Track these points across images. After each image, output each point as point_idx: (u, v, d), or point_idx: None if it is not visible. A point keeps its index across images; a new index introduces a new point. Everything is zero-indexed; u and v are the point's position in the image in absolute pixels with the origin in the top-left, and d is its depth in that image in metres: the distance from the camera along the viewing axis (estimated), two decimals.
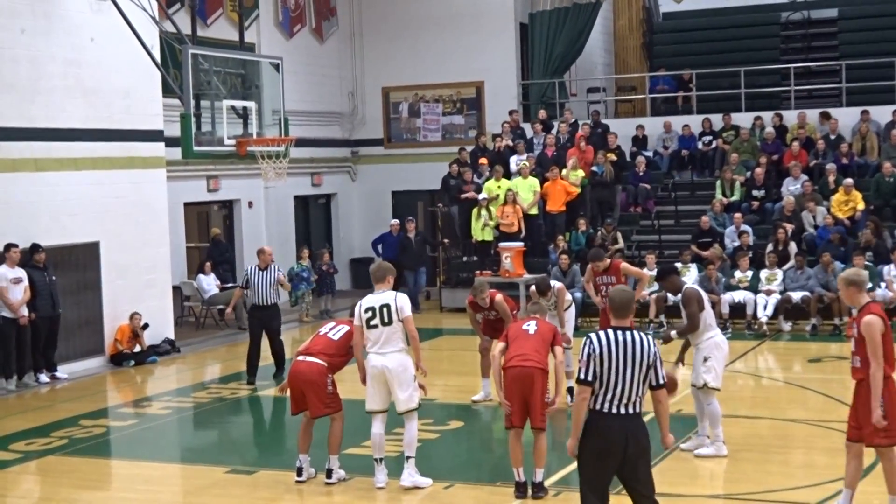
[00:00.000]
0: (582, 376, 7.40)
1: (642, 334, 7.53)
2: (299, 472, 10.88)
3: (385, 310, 10.26)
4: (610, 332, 7.45)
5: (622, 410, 7.38)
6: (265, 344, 16.31)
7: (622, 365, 7.34)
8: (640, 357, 7.38)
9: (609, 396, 7.36)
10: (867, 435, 8.81)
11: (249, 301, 16.57)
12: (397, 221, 24.42)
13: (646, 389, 7.51)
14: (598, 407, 7.40)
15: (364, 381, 10.54)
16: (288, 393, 10.99)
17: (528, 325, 10.56)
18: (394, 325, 10.27)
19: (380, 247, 24.02)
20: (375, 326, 10.28)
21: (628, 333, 7.44)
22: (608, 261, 13.84)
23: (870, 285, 19.09)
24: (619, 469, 7.46)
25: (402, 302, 10.35)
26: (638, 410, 7.45)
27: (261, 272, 16.08)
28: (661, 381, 7.51)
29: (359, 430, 12.14)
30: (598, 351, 7.36)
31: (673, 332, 11.67)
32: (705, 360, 11.39)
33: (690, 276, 19.97)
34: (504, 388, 10.15)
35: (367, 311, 10.32)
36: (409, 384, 10.43)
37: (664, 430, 7.72)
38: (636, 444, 7.41)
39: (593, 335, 7.47)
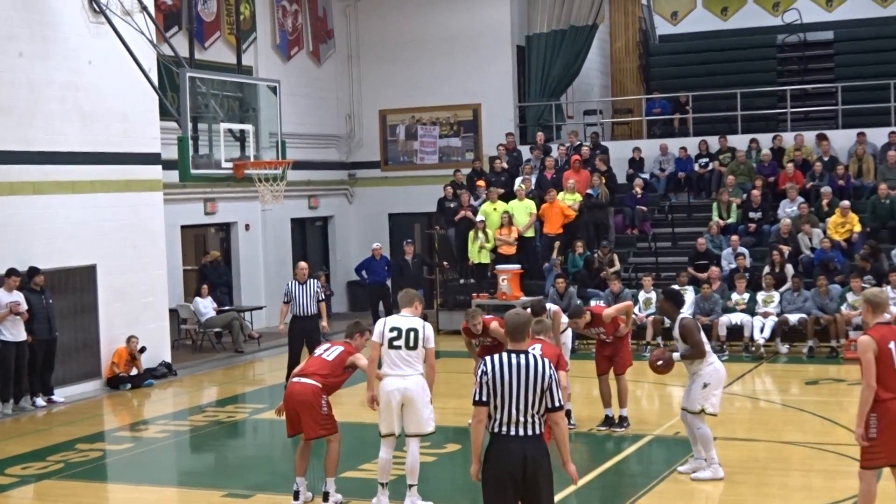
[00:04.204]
0: (476, 398, 7.49)
1: (539, 357, 7.56)
2: (296, 495, 10.83)
3: (412, 333, 10.30)
4: (504, 355, 7.52)
5: (520, 432, 7.42)
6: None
7: (515, 387, 7.39)
8: (533, 380, 7.41)
9: (505, 419, 7.42)
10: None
11: (292, 313, 17.13)
12: (379, 245, 24.28)
13: (544, 411, 7.48)
14: (496, 429, 7.47)
15: (371, 400, 10.53)
16: (283, 415, 10.97)
17: (533, 349, 10.53)
18: (418, 350, 10.33)
19: (364, 272, 23.88)
20: (398, 347, 10.29)
21: (523, 357, 7.49)
22: (588, 315, 13.76)
23: None
24: (522, 493, 7.45)
25: (429, 331, 10.44)
26: (538, 432, 7.46)
27: (300, 285, 17.01)
28: (557, 404, 7.51)
29: (356, 454, 12.13)
30: (489, 374, 7.44)
31: (675, 355, 11.61)
32: (705, 385, 11.36)
33: (687, 298, 19.93)
34: None
35: (392, 330, 10.33)
36: (427, 406, 10.44)
37: (564, 457, 7.70)
38: (535, 465, 7.41)
39: (488, 358, 7.55)
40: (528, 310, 13.57)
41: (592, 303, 21.19)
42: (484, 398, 7.45)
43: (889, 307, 9.24)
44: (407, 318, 10.42)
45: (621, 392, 13.81)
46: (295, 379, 10.76)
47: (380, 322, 10.53)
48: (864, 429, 8.62)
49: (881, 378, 8.57)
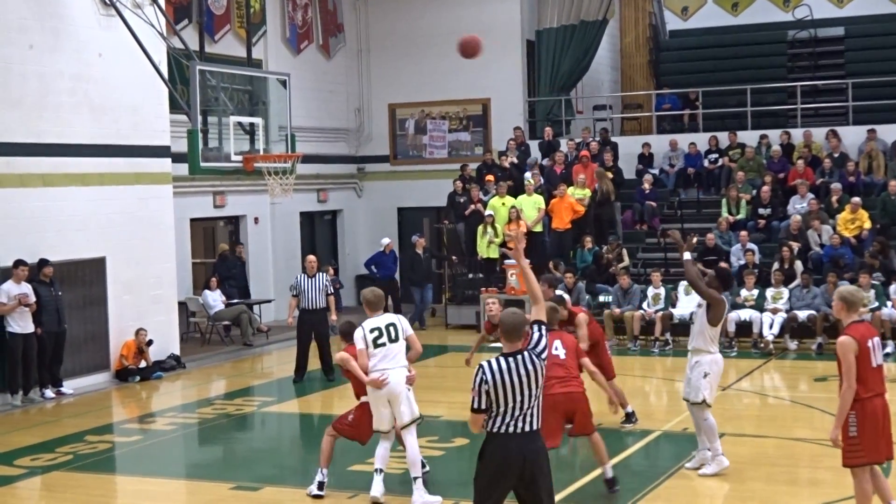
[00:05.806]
0: (475, 405, 7.32)
1: (532, 355, 7.37)
2: (321, 486, 10.87)
3: (392, 328, 10.65)
4: (502, 361, 7.32)
5: (518, 429, 7.31)
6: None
7: (517, 390, 7.27)
8: (532, 380, 7.31)
9: (507, 420, 7.30)
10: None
11: (300, 306, 17.25)
12: (389, 240, 24.30)
13: (538, 406, 7.42)
14: (494, 430, 7.34)
15: (375, 382, 10.57)
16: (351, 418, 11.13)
17: (556, 342, 10.60)
18: (400, 341, 10.67)
19: (374, 267, 23.90)
20: (383, 345, 10.58)
21: (519, 357, 7.33)
22: (564, 311, 13.33)
23: (876, 304, 19.15)
24: (517, 490, 7.40)
25: (404, 321, 10.88)
26: (536, 428, 7.37)
27: (309, 279, 17.14)
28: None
29: (361, 448, 12.13)
30: (490, 382, 7.26)
31: (687, 255, 11.89)
32: (705, 375, 11.34)
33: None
34: None
35: (373, 331, 10.60)
36: (410, 393, 10.70)
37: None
38: (533, 465, 7.34)
39: (485, 363, 7.36)
40: (546, 285, 13.08)
41: (601, 298, 21.30)
42: (483, 406, 7.31)
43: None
44: (381, 317, 10.74)
45: (617, 393, 13.71)
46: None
47: (358, 330, 10.72)
48: (840, 430, 8.65)
49: (860, 376, 8.67)
